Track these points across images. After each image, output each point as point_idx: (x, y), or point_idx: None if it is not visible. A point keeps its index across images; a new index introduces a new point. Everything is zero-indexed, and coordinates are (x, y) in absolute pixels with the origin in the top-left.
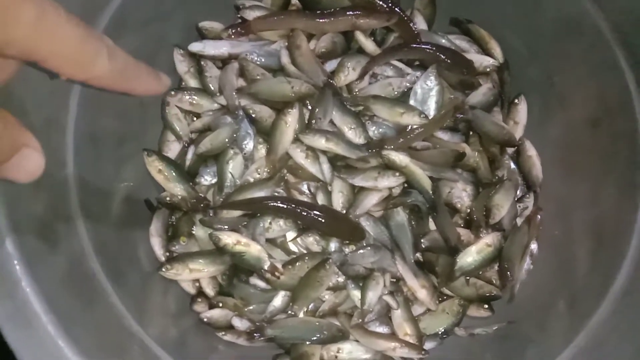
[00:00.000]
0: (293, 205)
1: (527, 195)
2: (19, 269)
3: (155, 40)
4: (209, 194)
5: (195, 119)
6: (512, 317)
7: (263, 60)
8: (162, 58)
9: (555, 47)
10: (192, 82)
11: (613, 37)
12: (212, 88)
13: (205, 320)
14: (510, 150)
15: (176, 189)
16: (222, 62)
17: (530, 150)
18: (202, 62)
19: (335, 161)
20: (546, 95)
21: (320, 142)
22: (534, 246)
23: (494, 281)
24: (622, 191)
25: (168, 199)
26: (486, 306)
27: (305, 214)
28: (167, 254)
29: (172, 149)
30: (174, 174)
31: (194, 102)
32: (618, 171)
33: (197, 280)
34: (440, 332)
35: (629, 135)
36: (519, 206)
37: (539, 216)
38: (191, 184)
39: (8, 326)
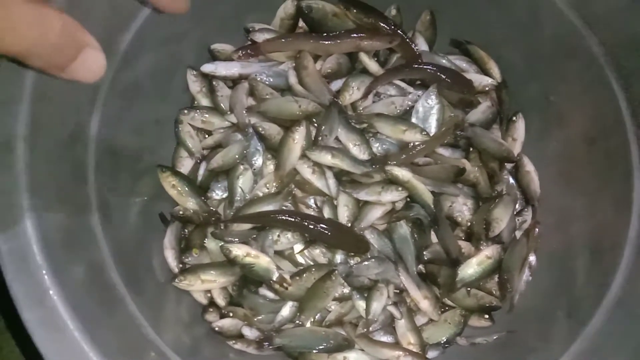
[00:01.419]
0: (300, 219)
1: (526, 209)
2: (47, 278)
3: (170, 61)
4: (220, 208)
5: (207, 136)
6: (511, 326)
7: (272, 80)
8: (177, 78)
9: (551, 67)
10: (204, 101)
11: (605, 59)
12: (223, 107)
13: (216, 329)
14: (509, 165)
15: (189, 203)
16: (233, 82)
17: (529, 166)
18: (214, 82)
19: (341, 176)
20: (543, 113)
21: (327, 158)
22: (532, 258)
23: (494, 292)
24: (616, 206)
25: (181, 212)
26: (487, 316)
27: (312, 227)
28: (180, 265)
29: (185, 165)
30: (186, 188)
31: (206, 120)
32: (612, 187)
33: (209, 291)
34: (442, 342)
35: (622, 152)
36: (518, 220)
37: (537, 229)
38: (203, 198)
39: (38, 332)
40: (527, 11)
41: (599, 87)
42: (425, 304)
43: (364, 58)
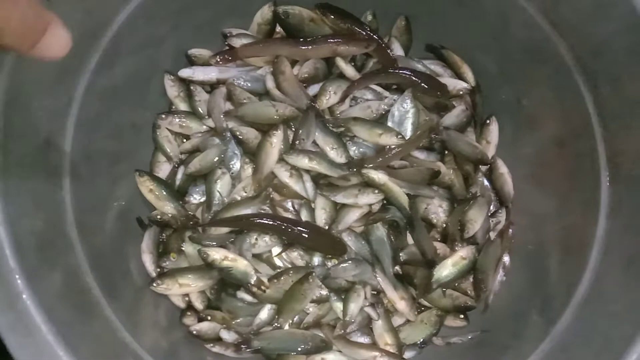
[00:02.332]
0: (278, 222)
1: (500, 211)
2: (20, 282)
3: (148, 65)
4: (198, 212)
5: (185, 140)
6: (486, 326)
7: (249, 85)
8: (154, 82)
9: (522, 71)
10: (182, 106)
11: (573, 63)
12: (201, 111)
13: (194, 332)
14: (483, 168)
15: (166, 208)
16: (211, 86)
17: (502, 168)
18: (192, 87)
19: (318, 179)
20: (516, 117)
21: (304, 162)
22: (506, 258)
23: (469, 292)
24: (585, 206)
25: (159, 217)
26: (462, 316)
27: (289, 230)
28: (158, 269)
29: (163, 169)
30: (164, 193)
31: (184, 124)
32: (581, 187)
33: (187, 295)
34: (419, 342)
35: (590, 154)
36: (492, 221)
37: (511, 230)
38: (181, 202)
39: (10, 335)
40: (498, 17)
41: (568, 90)
42: (402, 304)
43: (341, 63)
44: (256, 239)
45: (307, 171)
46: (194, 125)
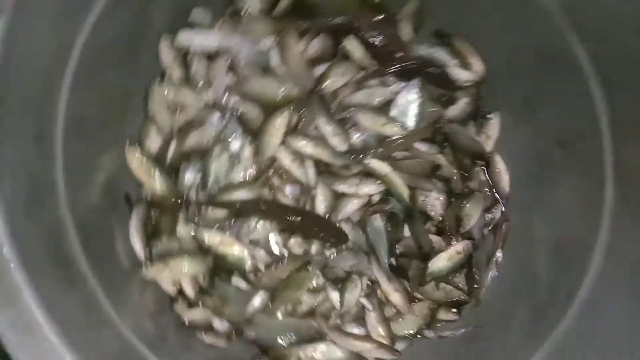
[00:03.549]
0: (278, 209)
1: (495, 207)
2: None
3: (144, 22)
4: (192, 192)
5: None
6: (478, 320)
7: (253, 56)
8: (149, 44)
9: (533, 69)
10: (178, 73)
11: (590, 68)
12: (200, 81)
13: (185, 320)
14: (481, 162)
15: (157, 185)
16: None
17: (500, 164)
18: (190, 53)
19: (319, 166)
20: (519, 114)
21: (308, 148)
22: (499, 254)
23: (461, 286)
24: (585, 208)
25: (149, 197)
26: (454, 310)
27: (289, 217)
28: (149, 252)
29: (154, 142)
30: (156, 169)
31: (179, 94)
32: (582, 189)
33: (178, 280)
34: (410, 334)
35: (596, 159)
36: (488, 216)
37: (505, 227)
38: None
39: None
40: (516, 10)
41: (580, 94)
42: (395, 296)
43: (352, 43)
44: (255, 225)
45: (309, 157)
46: (191, 97)
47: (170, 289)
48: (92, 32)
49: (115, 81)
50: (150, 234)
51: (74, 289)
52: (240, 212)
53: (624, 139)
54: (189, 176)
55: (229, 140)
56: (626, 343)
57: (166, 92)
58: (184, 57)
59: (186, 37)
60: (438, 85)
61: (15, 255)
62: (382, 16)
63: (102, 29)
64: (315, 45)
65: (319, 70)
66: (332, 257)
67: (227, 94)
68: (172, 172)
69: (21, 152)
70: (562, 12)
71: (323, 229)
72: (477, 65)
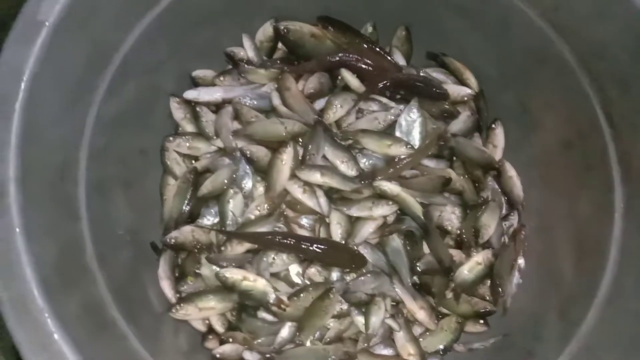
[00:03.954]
0: (295, 240)
1: (512, 214)
2: (50, 322)
3: (151, 90)
4: (212, 235)
5: (193, 162)
6: (506, 329)
7: (255, 102)
8: (159, 106)
9: (525, 74)
10: (189, 128)
11: (577, 65)
12: (209, 132)
13: (217, 356)
14: (492, 172)
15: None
16: (216, 107)
17: (511, 171)
18: (198, 108)
19: (331, 194)
20: (521, 120)
21: (316, 177)
22: (521, 261)
23: (487, 297)
24: (598, 206)
25: (173, 240)
26: (482, 321)
27: (306, 247)
28: (177, 295)
29: (173, 192)
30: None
31: (192, 145)
32: (593, 187)
33: (207, 318)
34: (440, 349)
35: (600, 154)
36: (505, 224)
37: (523, 232)
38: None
39: None
40: (498, 22)
41: (573, 92)
42: (421, 314)
43: (346, 75)
44: (274, 258)
45: (320, 186)
46: (203, 146)
47: (201, 327)
48: (101, 107)
49: (131, 142)
50: (178, 277)
51: (109, 337)
52: (259, 245)
53: (623, 131)
54: (209, 218)
55: (242, 181)
56: None
57: (180, 144)
58: (194, 111)
59: (193, 94)
60: (433, 99)
61: (47, 305)
62: (372, 47)
63: (111, 102)
64: (312, 83)
65: (319, 104)
66: (352, 282)
67: (234, 138)
68: (193, 217)
69: (49, 216)
70: (542, 16)
71: (341, 255)
72: (472, 80)
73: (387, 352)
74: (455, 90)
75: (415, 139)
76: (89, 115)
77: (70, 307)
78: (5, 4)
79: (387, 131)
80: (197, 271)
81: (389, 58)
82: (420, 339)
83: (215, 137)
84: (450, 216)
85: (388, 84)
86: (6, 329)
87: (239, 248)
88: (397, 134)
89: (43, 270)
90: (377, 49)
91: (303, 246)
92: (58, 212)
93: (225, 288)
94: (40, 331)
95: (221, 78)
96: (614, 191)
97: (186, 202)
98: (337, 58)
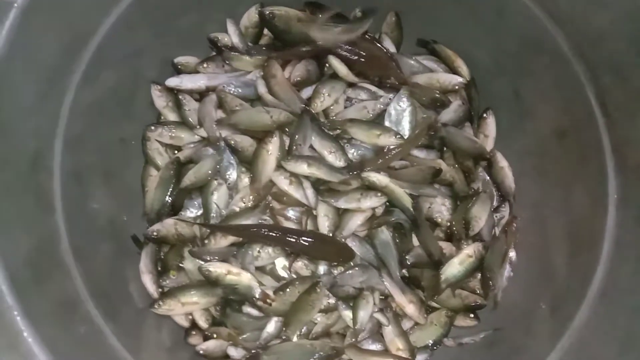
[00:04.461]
0: (281, 233)
1: (503, 205)
2: (19, 319)
3: (132, 77)
4: (195, 228)
5: (176, 152)
6: (497, 324)
7: (240, 90)
8: (140, 94)
9: (519, 62)
10: (171, 116)
11: (572, 53)
12: (192, 121)
13: (201, 352)
14: (483, 162)
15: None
16: (200, 95)
17: (502, 162)
18: (180, 96)
19: (318, 185)
20: (513, 109)
21: (303, 168)
22: (512, 254)
23: (477, 290)
24: (592, 197)
25: (155, 234)
26: (472, 315)
27: (293, 240)
28: (160, 289)
29: (155, 183)
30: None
31: (174, 135)
32: (586, 178)
33: (190, 313)
34: (430, 344)
35: (595, 144)
36: (496, 216)
37: (515, 224)
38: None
39: None
40: (492, 9)
41: (567, 80)
42: (410, 308)
43: (334, 62)
44: (259, 251)
45: (307, 177)
46: (185, 136)
47: (184, 323)
48: (77, 93)
49: (110, 131)
50: (160, 271)
51: (84, 335)
52: (244, 238)
53: (618, 120)
54: (192, 210)
55: (226, 172)
56: None
57: (162, 134)
58: (176, 99)
59: (175, 82)
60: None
61: (17, 303)
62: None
63: (88, 89)
64: (299, 70)
65: (307, 92)
66: (339, 276)
67: (218, 128)
68: (176, 209)
69: (20, 207)
70: (538, 3)
71: (328, 248)
72: (464, 69)
73: (376, 347)
74: (446, 78)
75: (405, 129)
76: (64, 103)
77: (42, 304)
78: None
79: (376, 120)
80: (180, 265)
81: (379, 45)
82: (409, 334)
83: (198, 127)
84: (440, 208)
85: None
86: None
87: (223, 241)
88: (387, 123)
89: (12, 266)
90: (367, 36)
91: (289, 239)
92: (31, 204)
93: (209, 282)
94: (9, 330)
95: (205, 65)
96: (608, 181)
97: (169, 193)
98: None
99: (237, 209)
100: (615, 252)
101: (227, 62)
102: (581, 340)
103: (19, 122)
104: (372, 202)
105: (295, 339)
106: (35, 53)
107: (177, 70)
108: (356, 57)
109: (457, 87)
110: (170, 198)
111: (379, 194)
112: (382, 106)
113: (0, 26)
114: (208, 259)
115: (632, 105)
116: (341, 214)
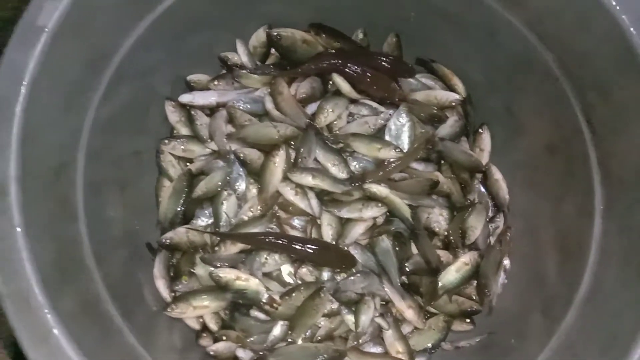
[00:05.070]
0: (287, 241)
1: (497, 216)
2: (50, 317)
3: (147, 94)
4: (206, 237)
5: (188, 164)
6: (492, 328)
7: (249, 106)
8: (154, 110)
9: (510, 81)
10: (184, 130)
11: (560, 72)
12: (203, 135)
13: (211, 353)
14: (478, 175)
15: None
16: (211, 110)
17: (497, 174)
18: (192, 112)
19: (322, 196)
20: (507, 124)
21: (308, 179)
22: (506, 262)
23: (474, 297)
24: (579, 208)
25: (168, 241)
26: (468, 320)
27: (298, 247)
28: (172, 293)
29: (168, 194)
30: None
31: (187, 148)
32: (575, 190)
33: (201, 316)
34: (428, 348)
35: (582, 158)
36: (491, 226)
37: (509, 234)
38: None
39: None
40: (484, 31)
41: (556, 98)
42: (409, 313)
43: (337, 79)
44: (266, 258)
45: (312, 188)
46: (197, 149)
47: (195, 325)
48: (98, 109)
49: (126, 144)
50: (173, 277)
51: (105, 332)
52: (252, 245)
53: (603, 136)
54: (203, 219)
55: (235, 183)
56: (628, 334)
57: (175, 147)
58: (188, 114)
59: (188, 98)
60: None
61: (47, 301)
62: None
63: (107, 105)
64: (304, 87)
65: (312, 108)
66: (342, 282)
67: (228, 141)
68: (187, 219)
69: (48, 215)
70: (527, 26)
71: (331, 256)
72: (460, 86)
73: (377, 350)
74: (443, 95)
75: (404, 143)
76: (87, 118)
77: (69, 303)
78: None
79: (377, 135)
80: (191, 271)
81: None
82: (409, 338)
83: (209, 140)
84: (438, 218)
85: (339, 62)
86: (6, 325)
87: (232, 248)
88: (387, 137)
89: (43, 267)
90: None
91: (295, 247)
92: (57, 212)
93: (219, 287)
94: (40, 326)
95: (215, 82)
96: (594, 194)
97: (181, 203)
98: (329, 63)
99: (246, 218)
100: (601, 259)
101: (237, 79)
102: (568, 342)
103: (46, 136)
104: (373, 212)
105: (300, 341)
106: (62, 73)
107: (190, 87)
108: (359, 76)
109: (453, 104)
110: (182, 207)
111: (380, 205)
112: (382, 121)
113: (33, 49)
114: (218, 265)
115: (616, 122)
116: (344, 223)
